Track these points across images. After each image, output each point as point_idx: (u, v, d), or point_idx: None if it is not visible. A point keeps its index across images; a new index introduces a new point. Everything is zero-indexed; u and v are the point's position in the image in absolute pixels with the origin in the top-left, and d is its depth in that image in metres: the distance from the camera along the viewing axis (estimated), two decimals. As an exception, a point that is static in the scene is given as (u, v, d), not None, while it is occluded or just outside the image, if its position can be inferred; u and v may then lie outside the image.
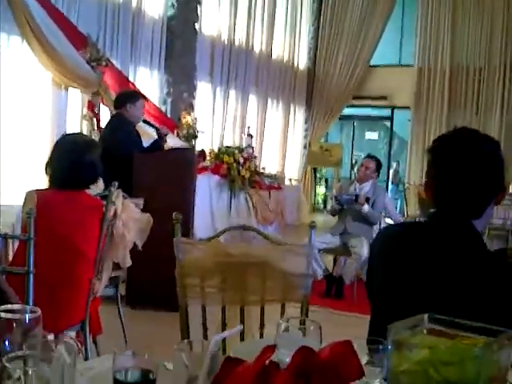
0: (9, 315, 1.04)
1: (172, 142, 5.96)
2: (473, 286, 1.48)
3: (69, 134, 3.09)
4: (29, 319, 1.05)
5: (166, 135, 4.98)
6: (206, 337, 1.95)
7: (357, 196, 5.41)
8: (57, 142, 2.85)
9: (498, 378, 1.03)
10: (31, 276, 1.73)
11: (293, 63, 12.80)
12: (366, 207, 5.38)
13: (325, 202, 14.66)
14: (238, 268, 2.03)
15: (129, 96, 4.97)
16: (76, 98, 7.28)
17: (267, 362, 1.00)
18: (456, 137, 1.60)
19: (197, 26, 9.46)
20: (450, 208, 1.56)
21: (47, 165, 2.76)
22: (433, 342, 1.04)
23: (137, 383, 1.00)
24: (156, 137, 4.94)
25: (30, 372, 0.88)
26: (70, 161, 2.69)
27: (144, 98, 5.15)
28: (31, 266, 1.74)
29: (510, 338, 1.04)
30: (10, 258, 2.69)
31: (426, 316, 1.08)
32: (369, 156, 5.88)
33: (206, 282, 2.01)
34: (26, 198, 2.63)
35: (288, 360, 1.02)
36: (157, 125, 5.31)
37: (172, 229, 2.02)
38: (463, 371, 0.99)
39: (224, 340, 1.58)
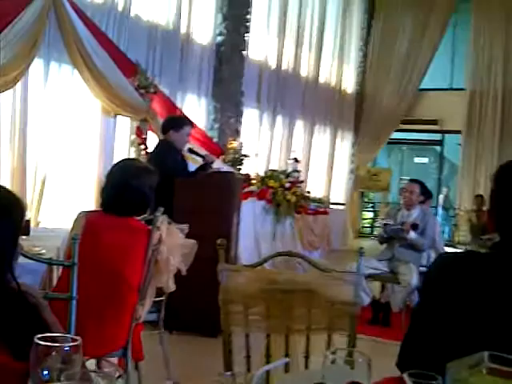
0: (48, 343, 1.02)
1: (217, 166, 5.96)
2: None
3: (125, 159, 3.09)
4: (68, 347, 1.02)
5: (212, 163, 4.96)
6: (248, 366, 1.90)
7: (403, 224, 5.27)
8: (112, 165, 2.88)
9: None
10: (74, 302, 1.72)
11: (340, 88, 12.75)
12: (412, 234, 5.23)
13: (371, 226, 14.43)
14: (282, 295, 1.98)
15: (173, 122, 4.93)
16: (124, 124, 7.42)
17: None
18: None
19: (244, 52, 9.56)
20: None
21: (102, 189, 2.78)
22: (493, 383, 0.96)
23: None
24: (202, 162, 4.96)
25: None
26: (116, 182, 2.70)
27: (190, 123, 5.15)
28: (74, 292, 1.72)
29: None
30: (55, 280, 2.71)
31: (486, 354, 1.00)
32: (411, 180, 5.74)
33: (249, 309, 1.96)
34: (76, 219, 2.65)
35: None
36: (203, 152, 5.29)
37: (215, 254, 1.98)
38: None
39: (268, 370, 1.53)
